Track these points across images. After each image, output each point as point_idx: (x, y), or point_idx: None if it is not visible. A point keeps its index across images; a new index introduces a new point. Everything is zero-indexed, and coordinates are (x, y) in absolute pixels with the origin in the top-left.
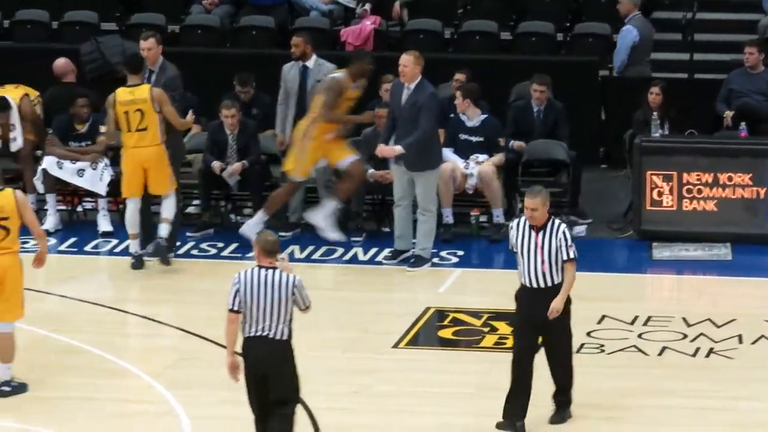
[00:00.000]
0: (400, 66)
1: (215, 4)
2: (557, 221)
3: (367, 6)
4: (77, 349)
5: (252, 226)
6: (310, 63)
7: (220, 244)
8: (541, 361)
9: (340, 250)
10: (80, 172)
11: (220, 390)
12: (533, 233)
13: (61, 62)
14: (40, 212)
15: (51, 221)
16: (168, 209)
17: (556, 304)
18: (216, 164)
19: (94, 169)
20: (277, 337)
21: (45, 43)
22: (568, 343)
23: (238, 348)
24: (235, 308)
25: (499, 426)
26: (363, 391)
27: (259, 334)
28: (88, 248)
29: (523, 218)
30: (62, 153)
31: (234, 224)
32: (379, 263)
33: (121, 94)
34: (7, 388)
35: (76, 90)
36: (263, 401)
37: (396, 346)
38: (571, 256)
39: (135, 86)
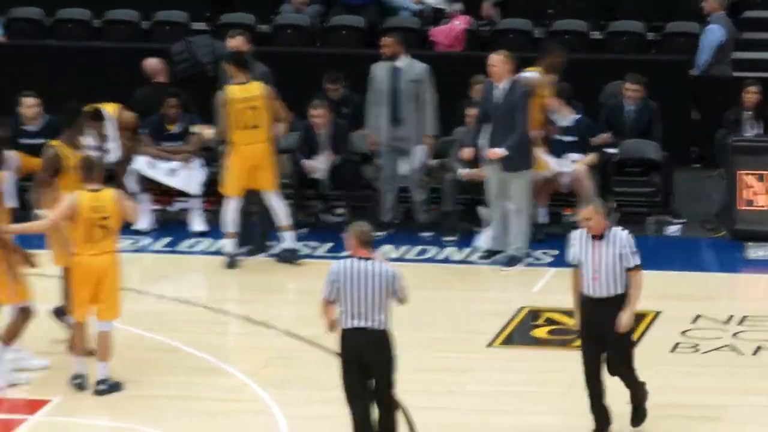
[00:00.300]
0: (489, 65)
1: (306, 3)
2: (617, 229)
3: (457, 5)
4: (172, 348)
5: None
6: (401, 63)
7: (314, 244)
8: None
9: (434, 250)
10: (173, 172)
11: (314, 389)
12: (593, 243)
13: (152, 62)
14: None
15: (145, 221)
16: (285, 216)
17: (625, 320)
18: (308, 163)
19: (186, 169)
20: (376, 327)
21: (136, 43)
22: (627, 354)
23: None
24: (331, 298)
25: None
26: (458, 390)
27: (357, 325)
28: (181, 248)
29: (583, 229)
30: (155, 153)
31: (327, 224)
32: (473, 263)
33: (234, 91)
34: (103, 387)
35: (167, 90)
36: (359, 388)
37: (490, 345)
38: (636, 263)
39: (244, 84)
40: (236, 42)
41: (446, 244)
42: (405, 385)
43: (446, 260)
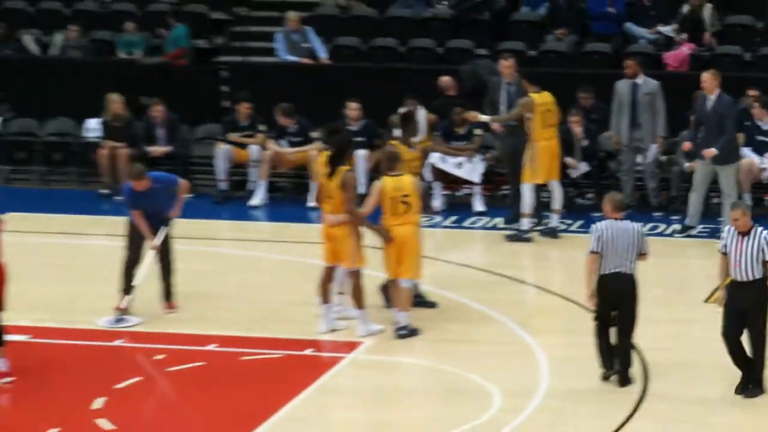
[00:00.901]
0: (702, 81)
1: (564, 34)
2: (759, 229)
3: (684, 35)
4: (456, 303)
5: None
6: (639, 80)
7: (569, 221)
8: None
9: (663, 226)
10: (459, 165)
11: (569, 336)
12: (739, 237)
13: (445, 79)
14: (428, 196)
15: (437, 203)
16: (559, 201)
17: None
18: (570, 161)
19: (470, 162)
20: (628, 272)
21: (433, 65)
22: (762, 325)
23: None
24: (597, 250)
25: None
26: (681, 336)
27: (614, 271)
28: (465, 224)
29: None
30: (445, 150)
31: (578, 206)
32: (695, 237)
33: (538, 98)
34: (404, 332)
35: (456, 101)
36: (608, 322)
37: (706, 301)
38: None
39: (540, 92)
40: (508, 63)
41: (673, 221)
42: (637, 331)
43: (671, 234)
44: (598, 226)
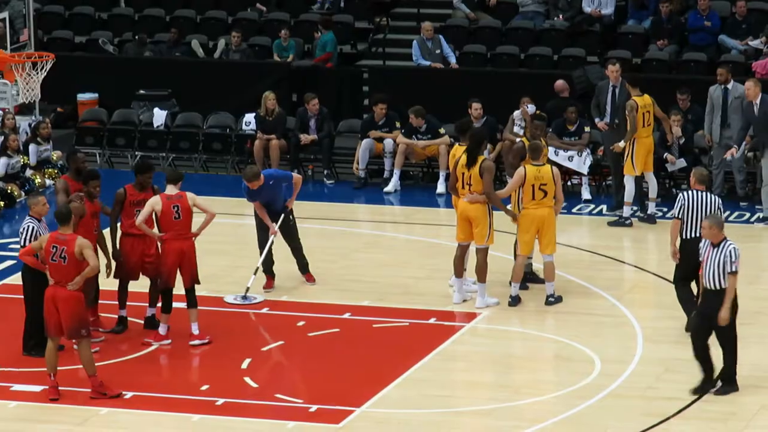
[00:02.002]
0: (746, 89)
1: (665, 44)
2: (729, 242)
3: None
4: (563, 279)
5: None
6: (730, 86)
7: (665, 209)
8: None
9: (748, 215)
10: (570, 158)
11: (663, 308)
12: (710, 247)
13: (559, 83)
14: None
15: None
16: (654, 190)
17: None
18: (669, 156)
19: (579, 156)
20: None
21: (550, 70)
22: (729, 330)
23: None
24: (678, 216)
25: None
26: (765, 311)
27: (695, 236)
28: (574, 210)
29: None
30: (558, 144)
31: (674, 196)
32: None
33: (639, 101)
34: (552, 299)
35: (569, 101)
36: (689, 275)
37: None
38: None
39: (641, 96)
40: (614, 68)
41: (757, 210)
42: None
43: (754, 222)
44: (682, 195)
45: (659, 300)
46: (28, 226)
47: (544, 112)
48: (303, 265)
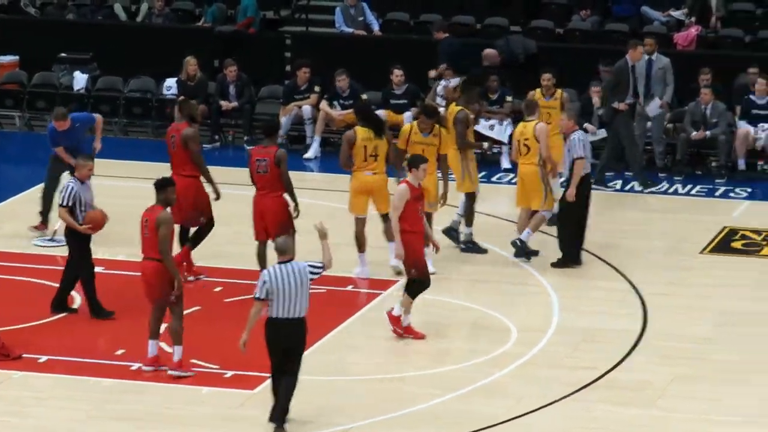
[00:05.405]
0: None
1: (588, 15)
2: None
3: (693, 18)
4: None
5: None
6: (654, 57)
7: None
8: None
9: (665, 185)
10: (491, 127)
11: (578, 278)
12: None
13: (490, 51)
14: None
15: None
16: None
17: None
18: (589, 126)
19: (501, 125)
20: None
21: (474, 39)
22: None
23: None
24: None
25: None
26: (679, 282)
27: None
28: (493, 179)
29: None
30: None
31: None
32: (694, 195)
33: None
34: (518, 244)
35: (491, 71)
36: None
37: (702, 252)
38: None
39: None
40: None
41: (676, 182)
42: (639, 277)
43: (675, 193)
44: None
45: (577, 270)
46: (69, 186)
47: (466, 80)
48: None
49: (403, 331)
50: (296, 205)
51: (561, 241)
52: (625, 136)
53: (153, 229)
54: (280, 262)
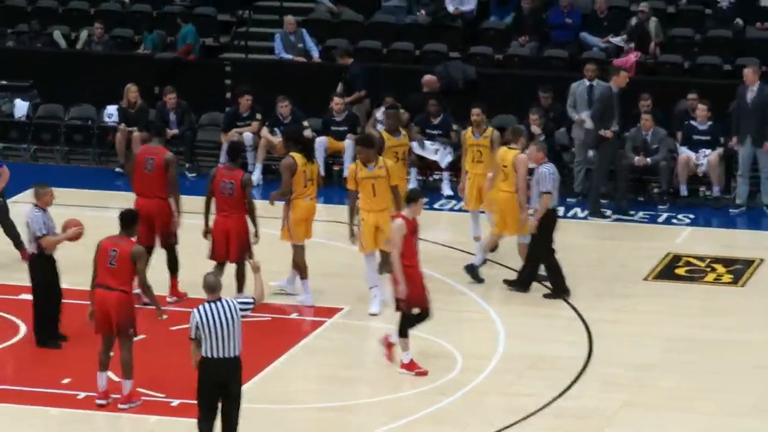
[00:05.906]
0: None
1: (527, 41)
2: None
3: (632, 44)
4: (426, 276)
5: None
6: (594, 83)
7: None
8: None
9: (609, 212)
10: (436, 151)
11: (523, 305)
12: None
13: (429, 78)
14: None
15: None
16: None
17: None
18: None
19: (444, 149)
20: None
21: (413, 65)
22: None
23: None
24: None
25: None
26: (625, 309)
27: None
28: (435, 206)
29: None
30: (421, 138)
31: None
32: (635, 221)
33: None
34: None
35: (430, 96)
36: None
37: (646, 278)
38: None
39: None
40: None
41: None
42: (584, 304)
43: (618, 219)
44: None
45: (522, 297)
46: (36, 216)
47: (405, 106)
48: (18, 243)
49: (405, 369)
50: (256, 230)
51: (549, 271)
52: (602, 163)
53: (124, 262)
54: (209, 301)
